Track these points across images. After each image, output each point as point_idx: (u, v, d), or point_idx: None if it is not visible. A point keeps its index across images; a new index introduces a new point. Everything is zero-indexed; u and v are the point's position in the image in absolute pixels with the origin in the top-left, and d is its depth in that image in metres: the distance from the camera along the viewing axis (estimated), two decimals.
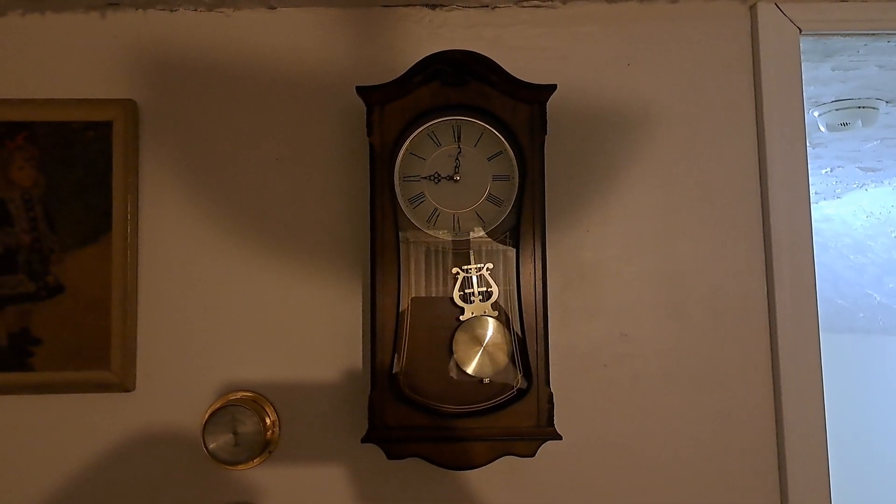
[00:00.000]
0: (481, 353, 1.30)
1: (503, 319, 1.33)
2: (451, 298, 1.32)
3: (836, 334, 5.08)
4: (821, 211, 3.94)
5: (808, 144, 2.64)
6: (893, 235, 3.88)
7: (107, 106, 1.44)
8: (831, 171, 3.12)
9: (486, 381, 1.31)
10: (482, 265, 1.32)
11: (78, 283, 1.41)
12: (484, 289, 1.32)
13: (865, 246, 4.15)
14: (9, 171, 1.43)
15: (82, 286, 1.41)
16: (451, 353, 1.31)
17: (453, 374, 1.32)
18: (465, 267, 1.32)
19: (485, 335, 1.31)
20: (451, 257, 1.33)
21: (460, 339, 1.31)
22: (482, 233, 1.32)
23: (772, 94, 1.46)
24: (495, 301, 1.32)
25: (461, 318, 1.32)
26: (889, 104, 2.17)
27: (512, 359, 1.31)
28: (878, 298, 4.63)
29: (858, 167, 3.06)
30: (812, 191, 3.48)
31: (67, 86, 1.47)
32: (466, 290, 1.32)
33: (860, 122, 2.14)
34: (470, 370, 1.30)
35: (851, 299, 4.83)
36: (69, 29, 1.48)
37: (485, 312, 1.31)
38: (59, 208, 1.42)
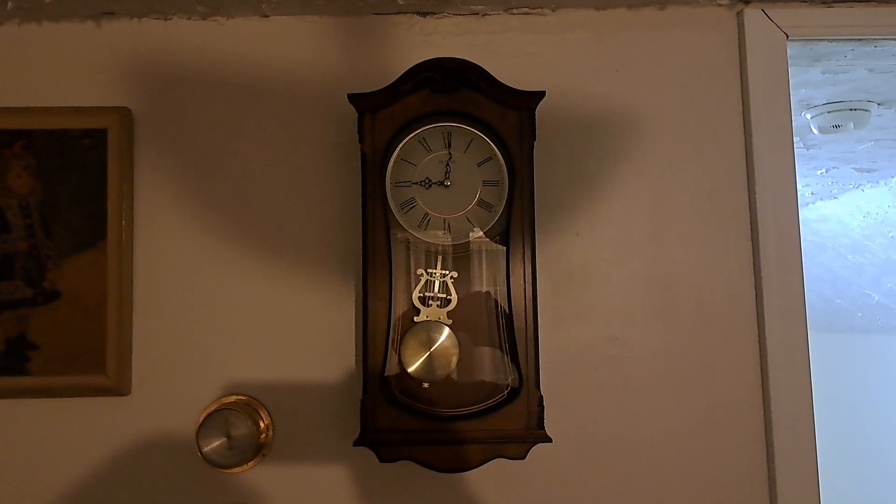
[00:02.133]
0: (426, 356, 1.30)
1: (494, 321, 1.34)
2: (410, 297, 1.33)
3: (834, 334, 5.09)
4: (818, 211, 3.94)
5: (802, 146, 2.66)
6: (891, 235, 3.89)
7: (102, 114, 1.46)
8: (826, 172, 3.12)
9: (426, 385, 1.31)
10: (447, 272, 1.33)
11: (74, 288, 1.43)
12: (444, 296, 1.33)
13: (863, 246, 4.15)
14: (6, 179, 1.45)
15: (78, 292, 1.42)
16: (397, 349, 1.32)
17: (453, 374, 1.31)
18: (430, 270, 1.33)
19: (436, 340, 1.30)
20: (451, 260, 1.34)
21: (410, 339, 1.31)
22: (480, 233, 1.33)
23: (759, 99, 1.47)
24: (452, 309, 1.32)
25: (415, 319, 1.32)
26: (881, 106, 2.18)
27: (454, 368, 1.31)
28: (876, 298, 4.64)
29: (854, 168, 3.06)
30: (808, 191, 3.50)
31: (63, 94, 1.49)
32: (426, 294, 1.33)
33: (852, 124, 2.15)
34: (410, 370, 1.30)
35: (850, 299, 4.83)
36: (65, 38, 1.50)
37: (439, 319, 1.32)
38: (56, 215, 1.44)
